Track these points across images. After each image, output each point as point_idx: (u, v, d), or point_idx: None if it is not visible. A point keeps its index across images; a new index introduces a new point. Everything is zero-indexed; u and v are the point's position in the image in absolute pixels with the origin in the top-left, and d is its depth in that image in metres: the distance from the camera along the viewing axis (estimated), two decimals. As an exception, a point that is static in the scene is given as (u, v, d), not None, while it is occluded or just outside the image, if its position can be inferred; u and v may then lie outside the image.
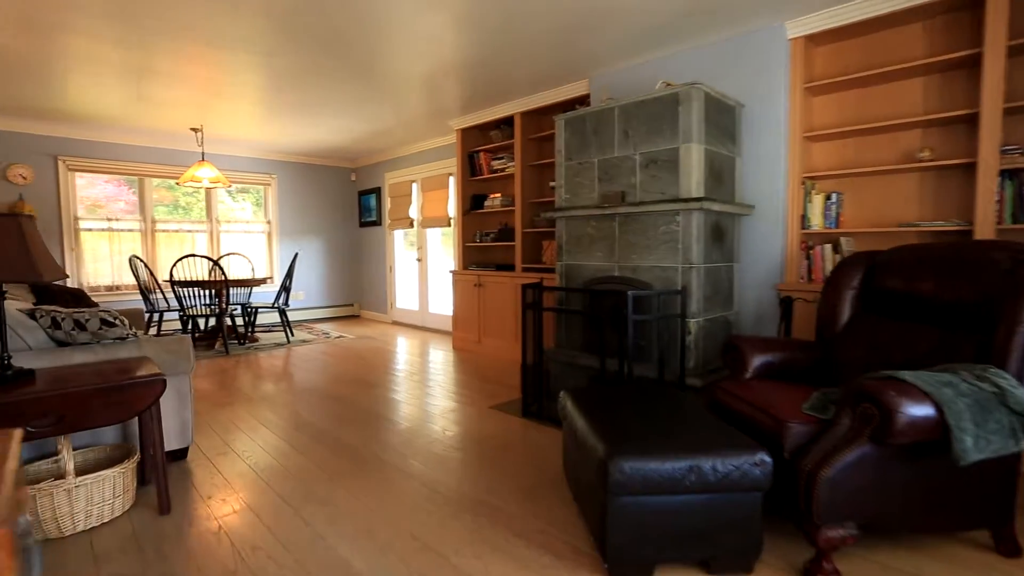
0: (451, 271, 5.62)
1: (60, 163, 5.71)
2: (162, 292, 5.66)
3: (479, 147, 5.49)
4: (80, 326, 2.38)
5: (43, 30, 3.26)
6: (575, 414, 2.08)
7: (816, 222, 3.21)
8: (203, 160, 5.54)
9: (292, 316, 7.48)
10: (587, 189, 3.48)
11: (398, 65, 3.95)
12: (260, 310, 5.99)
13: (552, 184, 4.68)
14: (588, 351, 3.48)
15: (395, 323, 7.41)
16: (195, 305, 5.47)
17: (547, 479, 2.46)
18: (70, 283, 5.82)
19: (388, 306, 7.55)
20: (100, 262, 6.06)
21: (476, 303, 5.33)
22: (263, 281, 5.89)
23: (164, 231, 6.47)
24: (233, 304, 6.20)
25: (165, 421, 2.61)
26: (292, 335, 6.30)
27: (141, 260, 5.47)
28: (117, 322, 2.45)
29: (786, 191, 3.26)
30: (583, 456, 1.90)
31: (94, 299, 5.90)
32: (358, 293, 8.17)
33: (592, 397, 2.21)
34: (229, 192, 7.01)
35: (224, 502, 2.27)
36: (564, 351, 3.59)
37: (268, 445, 2.90)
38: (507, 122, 5.20)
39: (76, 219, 5.88)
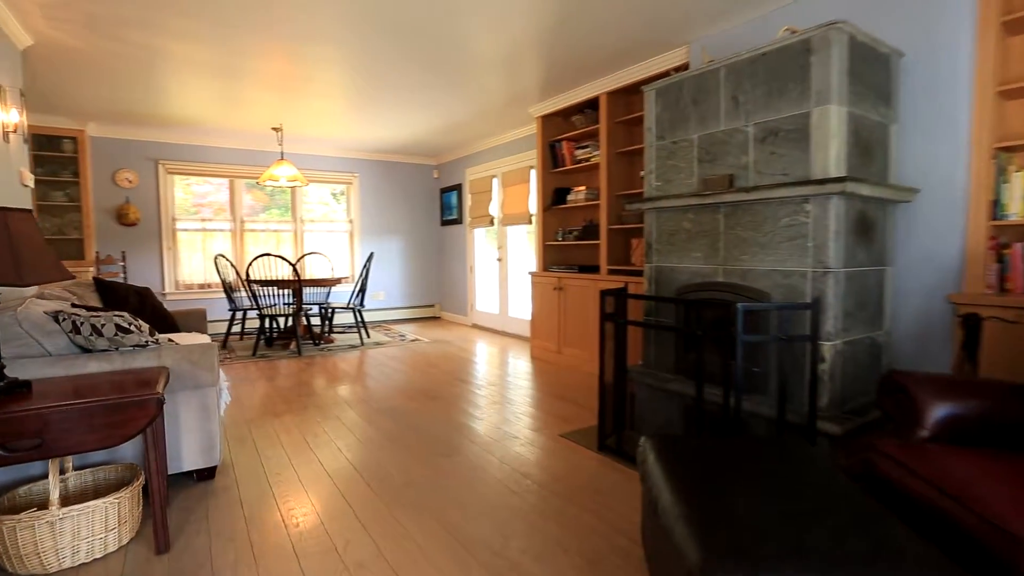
0: (529, 272, 5.12)
1: (160, 167, 5.97)
2: (246, 291, 5.70)
3: (561, 135, 4.94)
4: (97, 331, 2.17)
5: (142, 31, 3.29)
6: (659, 478, 1.47)
7: (1015, 210, 2.30)
8: (282, 159, 5.50)
9: (372, 316, 7.39)
10: (683, 174, 2.81)
11: (475, 46, 3.54)
12: (339, 310, 5.88)
13: (643, 174, 4.02)
14: (682, 375, 2.81)
15: (474, 326, 7.06)
16: (275, 304, 5.45)
17: (619, 546, 1.86)
18: (168, 282, 6.07)
19: (468, 308, 7.23)
20: (194, 261, 6.28)
21: (556, 308, 4.79)
22: (337, 281, 5.76)
23: (252, 230, 6.60)
24: (309, 304, 6.16)
25: (187, 437, 2.34)
26: (368, 336, 6.14)
27: (226, 258, 5.55)
28: (133, 328, 2.21)
29: (968, 168, 2.38)
30: (666, 548, 1.30)
31: (189, 297, 6.10)
32: (439, 294, 7.94)
33: (684, 454, 1.59)
34: (308, 191, 7.04)
35: (232, 543, 1.93)
36: (652, 372, 2.94)
37: (305, 469, 2.56)
38: (591, 105, 4.60)
39: (173, 220, 6.13)
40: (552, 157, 5.04)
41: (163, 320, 3.52)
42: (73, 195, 5.42)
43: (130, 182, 5.83)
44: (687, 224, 2.79)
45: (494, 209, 6.56)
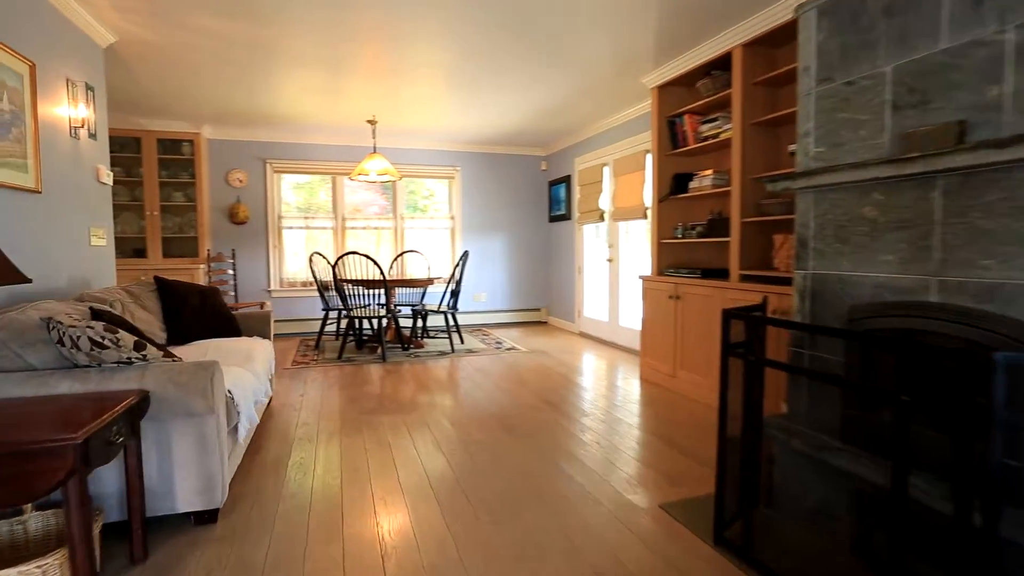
0: (641, 277, 4.24)
1: (267, 166, 6.04)
2: (350, 290, 5.51)
3: (682, 108, 3.99)
4: (75, 344, 1.82)
5: (232, 21, 3.12)
6: None
7: None
8: (374, 152, 5.21)
9: (472, 319, 6.94)
10: (865, 131, 1.82)
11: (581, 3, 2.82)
12: (431, 313, 5.48)
13: (791, 149, 2.89)
14: (856, 444, 1.82)
15: (582, 335, 6.28)
16: (366, 304, 5.19)
17: None
18: (273, 279, 6.14)
19: (575, 314, 6.47)
20: (299, 259, 6.30)
21: (671, 321, 3.87)
22: (430, 281, 5.35)
23: (353, 228, 6.48)
24: (404, 305, 5.83)
25: (181, 474, 1.92)
26: (462, 342, 5.67)
27: (322, 256, 5.41)
28: (108, 342, 1.82)
29: None
30: None
31: (292, 295, 6.10)
32: (546, 297, 7.28)
33: None
34: (410, 186, 6.76)
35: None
36: (802, 431, 1.98)
37: (318, 524, 2.04)
38: (720, 64, 3.60)
39: (279, 217, 6.18)
40: (671, 136, 4.11)
41: (224, 322, 3.27)
42: (191, 195, 5.63)
43: (240, 182, 5.96)
44: (870, 209, 1.79)
45: (604, 202, 5.73)
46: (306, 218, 6.29)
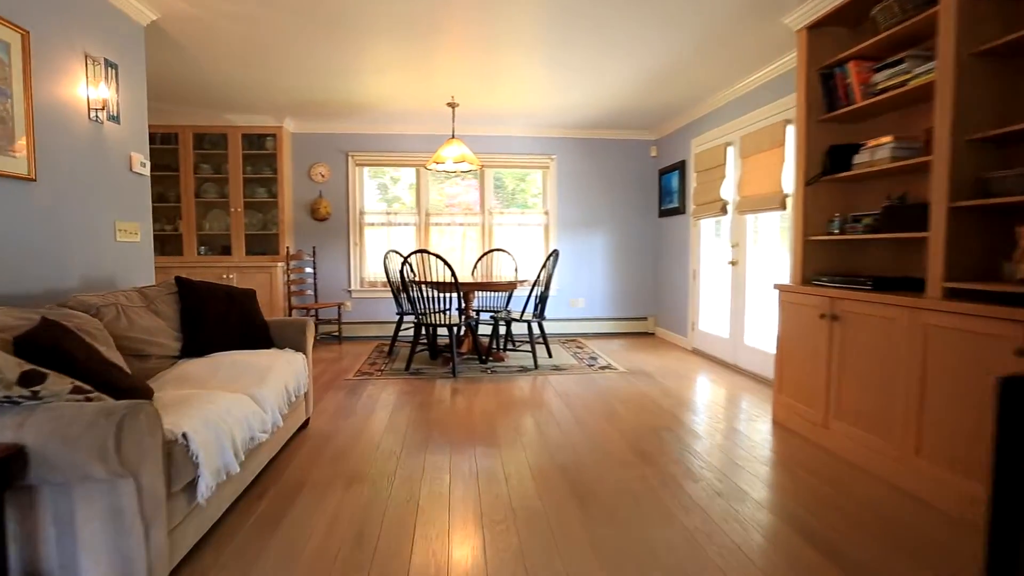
0: (777, 286, 3.16)
1: (349, 159, 5.73)
2: (420, 292, 5.00)
3: (844, 54, 2.85)
4: (-55, 375, 1.32)
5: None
6: None
7: None
8: (452, 138, 4.61)
9: (567, 328, 6.12)
10: None
11: None
12: (514, 321, 4.76)
13: None
14: None
15: (695, 352, 5.20)
16: (444, 310, 4.62)
17: None
18: (354, 279, 5.82)
19: (688, 327, 5.39)
20: (380, 258, 5.93)
21: (824, 350, 2.77)
22: (512, 285, 4.63)
23: (437, 224, 5.97)
24: (485, 310, 5.18)
25: (86, 561, 1.37)
26: (549, 356, 4.89)
27: (400, 254, 4.93)
28: (-33, 377, 1.30)
29: None
30: None
31: (373, 296, 5.73)
32: (654, 304, 6.24)
33: None
34: (500, 179, 6.09)
35: None
36: None
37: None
38: (919, -25, 2.43)
39: (361, 213, 5.85)
40: (825, 95, 2.98)
41: (253, 331, 2.81)
42: (273, 191, 5.46)
43: (323, 176, 5.70)
44: None
45: (727, 191, 4.61)
46: (388, 214, 5.89)
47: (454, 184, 6.03)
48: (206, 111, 5.05)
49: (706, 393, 3.78)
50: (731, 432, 2.97)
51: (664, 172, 5.89)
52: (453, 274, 4.13)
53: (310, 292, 5.61)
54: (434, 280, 4.38)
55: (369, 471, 2.45)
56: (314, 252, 5.63)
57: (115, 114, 2.68)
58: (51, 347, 1.61)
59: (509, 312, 4.94)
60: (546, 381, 4.08)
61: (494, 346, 4.83)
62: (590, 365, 4.62)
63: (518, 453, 2.66)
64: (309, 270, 5.62)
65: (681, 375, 4.30)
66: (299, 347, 2.93)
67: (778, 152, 3.84)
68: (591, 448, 2.72)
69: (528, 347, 5.26)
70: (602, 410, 3.36)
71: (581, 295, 6.16)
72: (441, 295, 4.93)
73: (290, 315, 5.39)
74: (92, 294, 2.24)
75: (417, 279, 4.32)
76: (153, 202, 5.29)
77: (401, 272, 4.26)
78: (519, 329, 6.14)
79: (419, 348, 4.95)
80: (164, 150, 5.28)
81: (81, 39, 2.52)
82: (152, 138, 5.25)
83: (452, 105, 4.80)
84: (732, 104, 4.51)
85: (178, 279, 2.73)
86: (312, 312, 5.69)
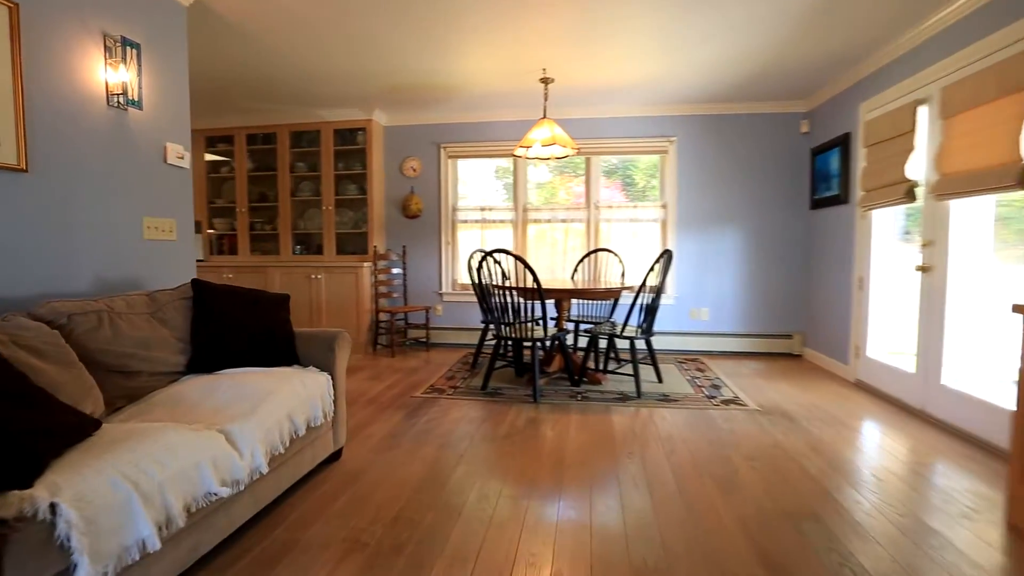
0: (1019, 307, 1.99)
1: (441, 151, 5.29)
2: (500, 299, 4.39)
3: None
4: None
5: None
6: None
7: None
8: (543, 119, 3.91)
9: (689, 344, 5.09)
10: None
11: None
12: (614, 336, 3.92)
13: None
14: None
15: (859, 386, 3.92)
16: (534, 320, 3.96)
17: None
18: (445, 280, 5.38)
19: (850, 351, 4.11)
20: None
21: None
22: (611, 292, 3.81)
23: (536, 221, 5.31)
24: (579, 322, 4.40)
25: None
26: (659, 380, 3.98)
27: (487, 253, 4.36)
28: None
29: None
30: None
31: (464, 299, 5.26)
32: (801, 319, 4.96)
33: None
34: (609, 167, 5.23)
35: None
36: None
37: None
38: None
39: (454, 210, 5.39)
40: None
41: (275, 345, 2.38)
42: (365, 188, 5.22)
43: (414, 171, 5.34)
44: None
45: (916, 168, 3.32)
46: (482, 210, 5.36)
47: (555, 175, 5.32)
48: (299, 108, 4.93)
49: (879, 455, 2.64)
50: (925, 534, 1.89)
51: (819, 151, 4.60)
52: (535, 278, 3.44)
53: (397, 295, 5.29)
54: (514, 285, 3.73)
55: (375, 535, 1.85)
56: (404, 252, 5.30)
57: (135, 99, 2.41)
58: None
59: (613, 325, 4.11)
60: (648, 416, 3.21)
61: (592, 365, 4.04)
62: (710, 396, 3.63)
63: (579, 535, 1.89)
64: (397, 271, 5.30)
65: (839, 421, 3.14)
66: (324, 365, 2.44)
67: (1011, 102, 2.55)
68: (688, 542, 1.85)
69: (625, 372, 4.36)
70: (717, 471, 2.43)
71: (705, 304, 5.09)
72: (528, 302, 4.27)
73: (376, 319, 5.11)
74: (71, 300, 1.93)
75: (498, 283, 3.70)
76: (254, 202, 5.36)
77: (477, 274, 3.66)
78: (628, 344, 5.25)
79: (503, 363, 4.33)
80: (264, 150, 5.29)
81: (96, 16, 2.26)
82: (253, 139, 5.29)
83: (545, 81, 4.10)
84: (926, 45, 3.23)
85: (195, 282, 2.39)
86: (400, 317, 5.36)
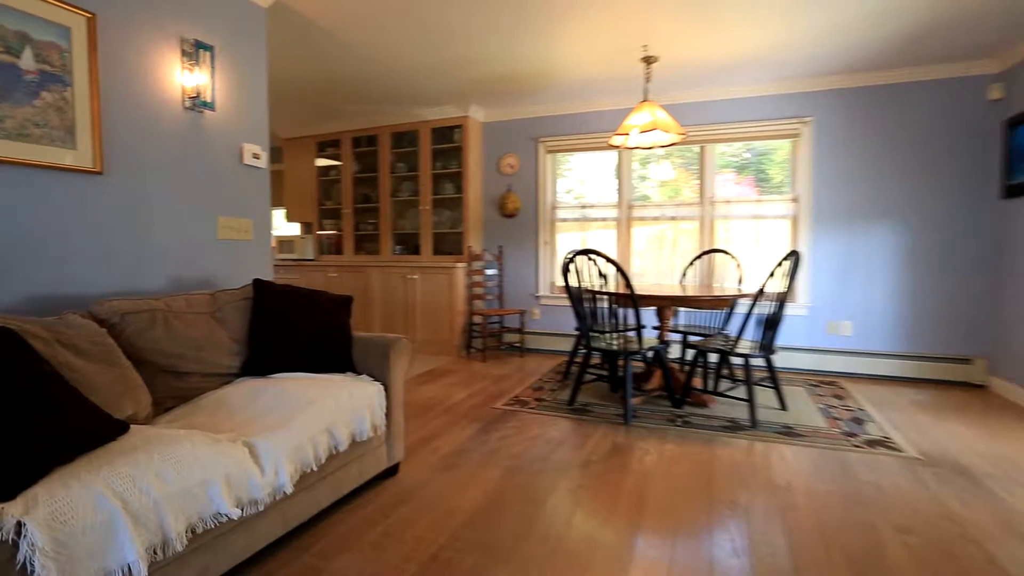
0: None
1: (539, 146, 5.00)
2: (589, 303, 3.99)
3: None
4: None
5: None
6: None
7: None
8: (644, 102, 3.46)
9: (826, 363, 4.26)
10: None
11: None
12: (723, 351, 3.34)
13: None
14: None
15: (1075, 432, 2.93)
16: (638, 328, 3.53)
17: None
18: (542, 283, 5.09)
19: (1059, 384, 3.09)
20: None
21: None
22: (721, 301, 3.25)
23: (641, 219, 4.80)
24: (687, 333, 3.85)
25: None
26: (782, 407, 3.32)
27: (576, 253, 4.02)
28: None
29: None
30: None
31: (562, 303, 4.96)
32: (986, 338, 3.90)
33: None
34: (726, 157, 4.55)
35: None
36: None
37: None
38: None
39: (552, 208, 5.07)
40: None
41: (330, 351, 2.25)
42: (460, 186, 5.10)
43: (512, 167, 5.11)
44: None
45: None
46: (583, 207, 4.98)
47: (678, 171, 4.77)
48: (398, 108, 4.95)
49: (1113, 544, 1.84)
50: None
51: (1015, 123, 3.56)
52: (627, 281, 3.01)
53: (492, 297, 5.10)
54: (604, 289, 3.32)
55: (401, 585, 1.61)
56: (500, 252, 5.10)
57: (209, 101, 2.43)
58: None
59: (726, 338, 3.52)
60: (763, 454, 2.63)
61: (699, 384, 3.49)
62: (849, 434, 2.91)
63: (647, 615, 1.47)
64: (492, 272, 5.11)
65: (1043, 483, 2.31)
66: (378, 374, 2.26)
67: None
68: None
69: (758, 384, 3.70)
70: (853, 544, 1.84)
71: (847, 316, 4.21)
72: (624, 310, 3.83)
73: (470, 322, 4.96)
74: (130, 299, 1.93)
75: (588, 287, 3.32)
76: (358, 203, 5.52)
77: (564, 277, 3.32)
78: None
79: (593, 376, 3.92)
80: (368, 152, 5.41)
81: (174, 22, 2.30)
82: (357, 141, 5.43)
83: (647, 60, 3.63)
84: None
85: (256, 282, 2.34)
86: (494, 320, 5.17)
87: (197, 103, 2.38)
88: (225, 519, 1.49)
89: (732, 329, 4.47)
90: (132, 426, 1.62)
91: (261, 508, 1.60)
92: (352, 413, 2.02)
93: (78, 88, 1.98)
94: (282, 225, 6.10)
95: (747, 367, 3.11)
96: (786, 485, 2.27)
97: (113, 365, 1.74)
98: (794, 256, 3.04)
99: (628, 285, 3.02)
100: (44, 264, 1.89)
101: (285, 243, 5.73)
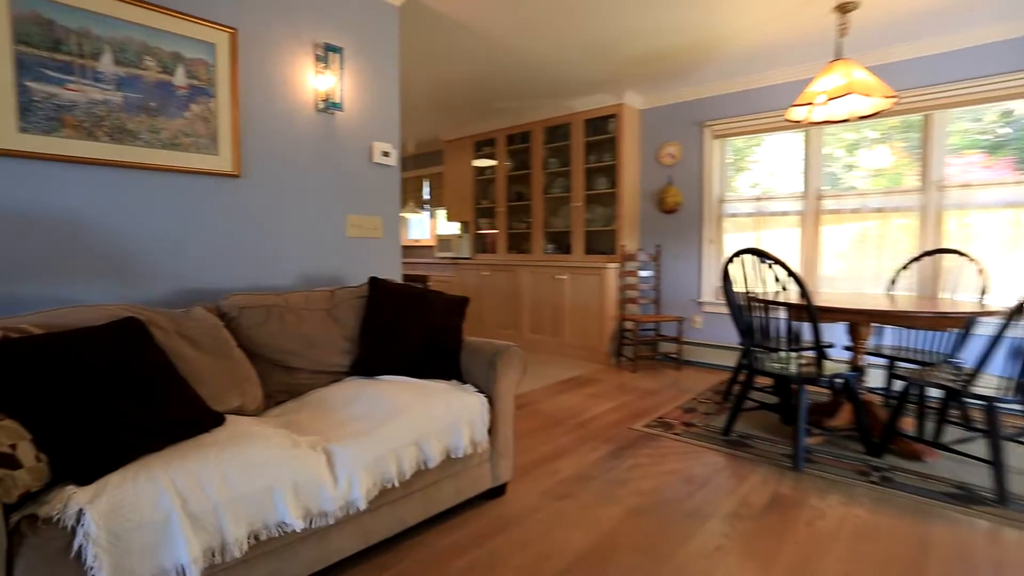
0: None
1: (704, 131, 4.36)
2: (753, 314, 3.29)
3: None
4: None
5: None
6: None
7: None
8: (835, 61, 2.75)
9: None
10: None
11: None
12: (944, 386, 2.43)
13: None
14: None
15: None
16: (795, 349, 2.85)
17: None
18: (705, 286, 4.45)
19: None
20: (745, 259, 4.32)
21: None
22: (952, 319, 2.40)
23: (836, 212, 3.89)
24: (899, 358, 2.98)
25: None
26: (1048, 474, 2.33)
27: (736, 253, 3.39)
28: None
29: None
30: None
31: (726, 312, 4.31)
32: None
33: None
34: (958, 127, 3.39)
35: None
36: None
37: None
38: None
39: (720, 202, 4.39)
40: None
41: (437, 356, 2.12)
42: (614, 180, 4.72)
43: (672, 157, 4.56)
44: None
45: None
46: (758, 200, 4.22)
47: (896, 158, 3.79)
48: (550, 100, 4.75)
49: None
50: None
51: None
52: (802, 288, 2.37)
53: (647, 301, 4.61)
54: (771, 297, 2.69)
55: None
56: (657, 252, 4.59)
57: (337, 102, 2.47)
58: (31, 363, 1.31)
59: (957, 370, 2.60)
60: (1015, 547, 1.82)
61: (911, 429, 2.65)
62: None
63: None
64: (646, 273, 4.62)
65: None
66: (483, 385, 2.06)
67: None
68: None
69: (991, 445, 2.67)
70: None
71: None
72: (800, 323, 3.11)
73: (620, 328, 4.55)
74: (252, 294, 2.02)
75: (753, 295, 2.73)
76: (511, 201, 5.46)
77: (723, 280, 2.77)
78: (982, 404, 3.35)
79: (758, 404, 3.24)
80: (521, 149, 5.33)
81: (310, 29, 2.39)
82: (512, 139, 5.38)
83: (843, 6, 2.85)
84: None
85: (372, 280, 2.31)
86: (649, 327, 4.67)
87: (328, 105, 2.44)
88: (289, 529, 1.41)
89: (968, 358, 3.35)
90: (228, 418, 1.65)
91: (331, 521, 1.50)
92: (447, 426, 1.85)
93: (220, 98, 2.14)
94: (444, 225, 6.37)
95: (991, 412, 2.22)
96: (1051, 604, 1.51)
97: (224, 357, 1.81)
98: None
99: (802, 292, 2.38)
100: (186, 261, 2.07)
101: (444, 241, 5.96)
